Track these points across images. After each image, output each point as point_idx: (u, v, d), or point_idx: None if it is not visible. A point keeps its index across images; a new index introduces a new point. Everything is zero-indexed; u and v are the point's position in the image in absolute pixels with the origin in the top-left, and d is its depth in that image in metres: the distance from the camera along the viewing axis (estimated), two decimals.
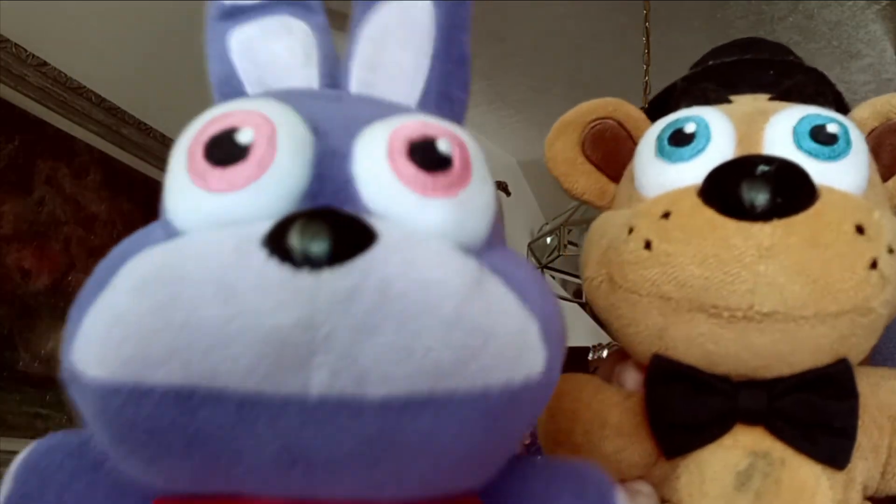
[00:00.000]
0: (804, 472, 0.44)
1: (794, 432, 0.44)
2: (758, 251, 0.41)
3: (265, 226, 0.28)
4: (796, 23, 2.14)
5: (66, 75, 1.25)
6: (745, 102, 0.52)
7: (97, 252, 1.31)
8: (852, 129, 0.48)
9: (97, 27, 1.34)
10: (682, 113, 0.51)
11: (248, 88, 0.41)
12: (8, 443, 1.11)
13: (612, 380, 0.54)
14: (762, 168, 0.42)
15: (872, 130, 0.52)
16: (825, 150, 0.46)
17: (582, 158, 0.57)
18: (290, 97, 0.36)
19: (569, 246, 2.08)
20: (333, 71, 0.42)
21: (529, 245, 2.31)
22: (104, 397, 0.28)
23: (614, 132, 0.57)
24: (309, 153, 0.32)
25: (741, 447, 0.45)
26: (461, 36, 0.40)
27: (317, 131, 0.33)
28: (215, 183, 0.31)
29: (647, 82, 1.58)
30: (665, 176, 0.49)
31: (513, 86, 2.61)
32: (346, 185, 0.32)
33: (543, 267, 2.23)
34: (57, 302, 1.24)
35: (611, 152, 0.56)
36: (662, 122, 0.52)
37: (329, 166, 0.32)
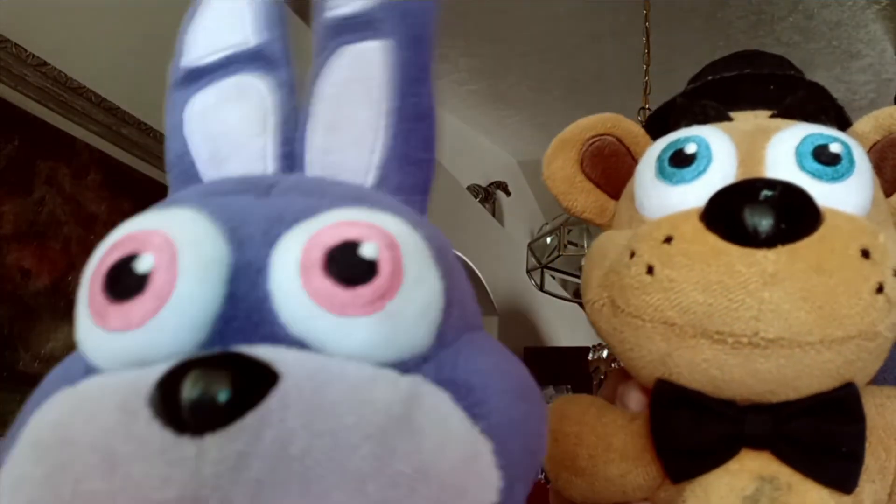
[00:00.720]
0: (811, 497, 0.43)
1: (801, 457, 0.44)
2: (762, 278, 0.41)
3: (156, 374, 0.25)
4: (796, 23, 2.14)
5: (66, 75, 1.25)
6: (746, 120, 0.52)
7: None
8: (855, 147, 0.47)
9: (97, 27, 1.34)
10: (683, 132, 0.51)
11: (200, 167, 0.39)
12: None
13: (616, 400, 0.54)
14: (766, 193, 0.42)
15: (875, 144, 0.52)
16: (828, 170, 0.45)
17: (581, 176, 0.56)
18: (210, 198, 0.33)
19: (569, 246, 2.08)
20: (290, 136, 0.39)
21: (529, 245, 2.30)
22: None
23: (613, 148, 0.57)
24: (220, 271, 0.29)
25: (748, 472, 0.44)
26: (419, 89, 0.37)
27: (234, 240, 0.30)
28: (113, 321, 0.28)
29: (647, 82, 1.58)
30: (667, 198, 0.48)
31: (513, 86, 2.61)
32: (260, 304, 0.29)
33: (543, 267, 2.22)
34: (57, 302, 1.24)
35: (610, 169, 0.56)
36: (663, 142, 0.51)
37: (244, 283, 0.29)
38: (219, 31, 0.41)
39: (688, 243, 0.43)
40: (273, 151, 0.39)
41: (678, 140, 0.50)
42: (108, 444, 0.25)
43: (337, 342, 0.28)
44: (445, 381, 0.29)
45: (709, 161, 0.47)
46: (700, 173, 0.47)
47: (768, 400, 0.44)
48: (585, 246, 2.14)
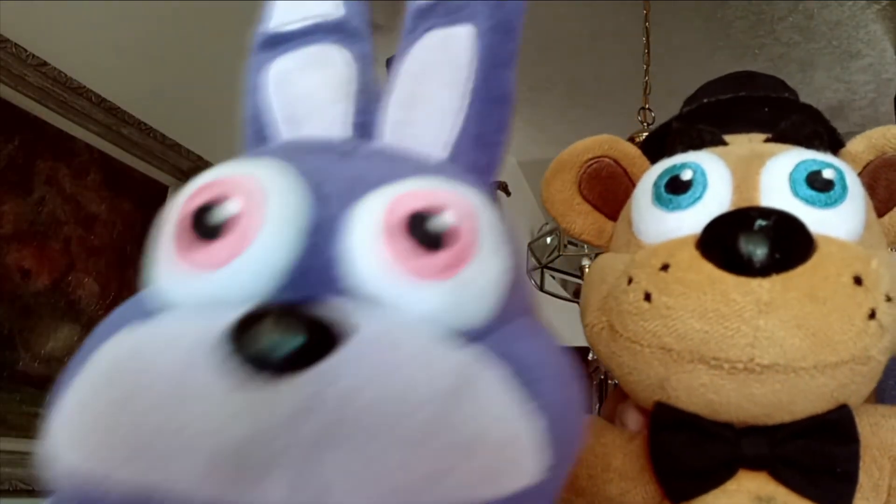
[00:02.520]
0: None
1: (797, 477, 0.44)
2: (757, 306, 0.41)
3: (231, 317, 0.26)
4: (796, 23, 2.14)
5: (66, 75, 1.25)
6: (741, 144, 0.52)
7: (97, 252, 1.31)
8: (848, 173, 0.48)
9: (97, 27, 1.34)
10: (678, 158, 0.51)
11: (280, 126, 0.40)
12: (8, 443, 1.11)
13: (615, 419, 0.54)
14: (760, 223, 0.43)
15: (868, 164, 0.52)
16: (822, 196, 0.46)
17: (579, 198, 0.57)
18: (297, 153, 0.33)
19: (569, 246, 2.08)
20: (370, 105, 0.40)
21: (529, 245, 2.30)
22: (75, 485, 0.26)
23: (610, 170, 0.57)
24: (302, 222, 0.30)
25: (745, 492, 0.45)
26: (504, 73, 0.38)
27: (317, 194, 0.31)
28: (198, 259, 0.29)
29: (647, 82, 1.58)
30: (663, 224, 0.48)
31: None
32: (339, 259, 0.29)
33: (543, 267, 2.22)
34: (57, 302, 1.24)
35: (608, 191, 0.56)
36: (659, 168, 0.52)
37: (323, 237, 0.30)
38: (305, 1, 0.42)
39: (684, 271, 0.44)
40: (352, 119, 0.39)
41: (674, 166, 0.50)
42: (182, 377, 0.25)
43: (410, 303, 0.29)
44: (505, 356, 0.29)
45: (704, 187, 0.48)
46: (696, 200, 0.48)
47: (764, 422, 0.45)
48: (585, 246, 2.14)
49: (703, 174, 0.48)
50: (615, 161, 0.57)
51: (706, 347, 0.42)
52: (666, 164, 0.51)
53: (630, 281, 0.47)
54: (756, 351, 0.41)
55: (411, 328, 0.28)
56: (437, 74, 0.38)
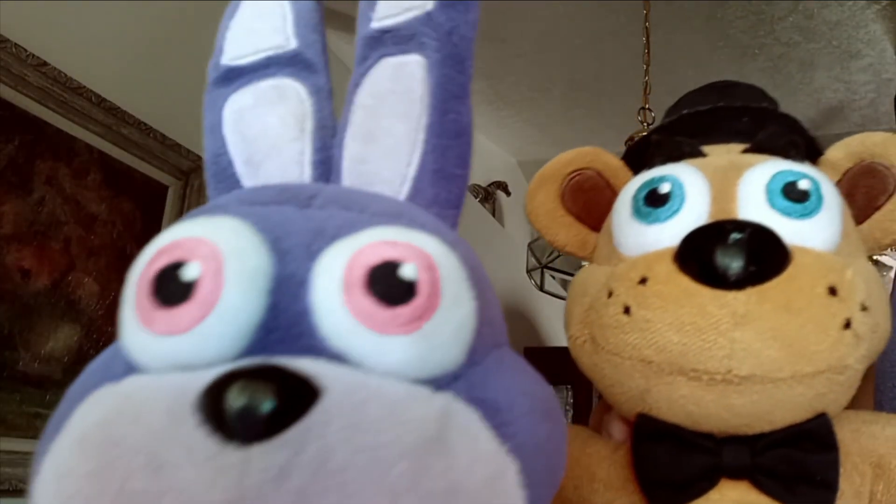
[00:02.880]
0: None
1: (778, 486, 0.45)
2: (733, 318, 0.42)
3: (203, 380, 0.26)
4: (796, 23, 2.14)
5: (66, 75, 1.25)
6: (720, 154, 0.53)
7: (97, 252, 1.31)
8: (824, 183, 0.48)
9: (97, 27, 1.34)
10: (657, 171, 0.51)
11: (237, 168, 0.39)
12: (8, 443, 1.11)
13: (601, 429, 0.55)
14: (735, 236, 0.43)
15: (847, 171, 0.52)
16: (798, 207, 0.46)
17: (562, 211, 0.58)
18: (253, 207, 0.33)
19: None
20: (327, 141, 0.39)
21: (529, 245, 2.30)
22: None
23: (593, 182, 0.58)
24: (263, 282, 0.30)
25: (727, 501, 0.45)
26: (458, 107, 0.37)
27: (277, 251, 0.31)
28: (159, 326, 0.29)
29: (647, 82, 1.58)
30: (642, 237, 0.49)
31: (513, 86, 2.60)
32: (301, 317, 0.30)
33: (544, 267, 2.22)
34: (57, 302, 1.24)
35: (591, 203, 0.57)
36: (638, 181, 0.52)
37: (286, 295, 0.30)
38: (260, 32, 0.42)
39: (661, 284, 0.44)
40: (309, 157, 0.39)
41: (653, 179, 0.51)
42: (155, 446, 0.25)
43: (375, 359, 0.29)
44: (475, 400, 0.30)
45: (682, 200, 0.48)
46: (674, 213, 0.48)
47: (745, 432, 0.45)
48: None
49: (681, 187, 0.49)
50: (598, 173, 0.57)
51: (685, 359, 0.43)
52: (644, 177, 0.52)
53: (610, 294, 0.47)
54: (733, 363, 0.42)
55: (379, 384, 0.28)
56: (392, 108, 0.38)
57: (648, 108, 1.52)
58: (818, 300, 0.42)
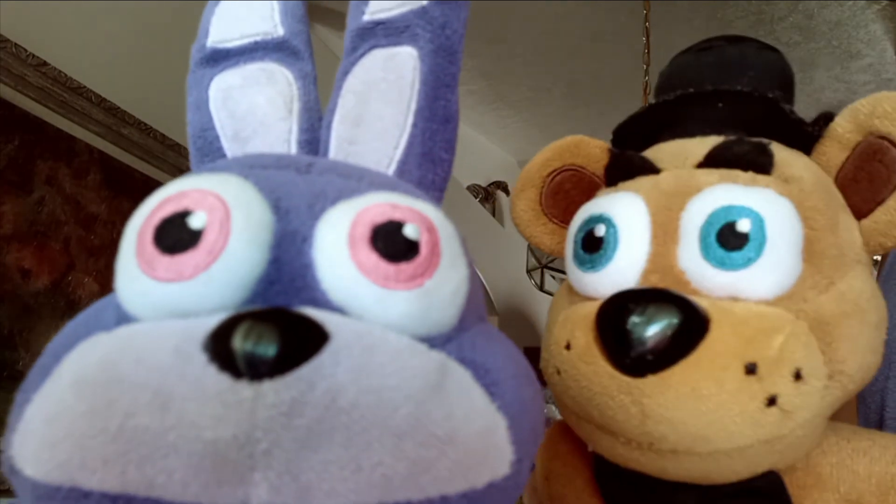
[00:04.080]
0: None
1: None
2: (639, 406, 0.40)
3: (210, 323, 0.26)
4: (796, 23, 2.14)
5: (66, 75, 1.25)
6: (673, 168, 0.48)
7: (97, 252, 1.31)
8: (772, 216, 0.43)
9: (97, 27, 1.34)
10: (595, 207, 0.49)
11: (224, 143, 0.40)
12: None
13: None
14: (633, 320, 0.41)
15: (855, 147, 0.47)
16: (733, 257, 0.42)
17: (543, 218, 0.56)
18: (254, 169, 0.34)
19: None
20: (314, 123, 0.40)
21: (529, 245, 2.30)
22: (40, 497, 0.26)
23: (575, 179, 0.55)
24: (266, 236, 0.30)
25: None
26: (448, 94, 0.39)
27: (278, 209, 0.31)
28: (163, 272, 0.29)
29: (647, 82, 1.58)
30: (582, 283, 0.48)
31: (513, 86, 2.61)
32: (304, 270, 0.30)
33: (543, 267, 2.22)
34: (57, 302, 1.24)
35: (576, 203, 0.53)
36: (580, 218, 0.50)
37: (288, 250, 0.30)
38: (248, 18, 0.43)
39: (578, 359, 0.44)
40: (296, 136, 0.40)
41: (589, 219, 0.48)
42: (162, 383, 0.25)
43: (377, 312, 0.30)
44: (466, 361, 0.31)
45: (615, 247, 0.46)
46: (607, 261, 0.46)
47: (701, 483, 0.44)
48: None
49: (616, 230, 0.46)
50: (580, 168, 0.54)
51: (611, 429, 0.43)
52: (584, 213, 0.50)
53: (548, 352, 0.47)
54: (654, 439, 0.41)
55: (382, 333, 0.29)
56: (382, 94, 0.39)
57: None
58: (731, 383, 0.39)
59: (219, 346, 0.26)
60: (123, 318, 0.31)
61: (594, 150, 0.55)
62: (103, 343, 0.28)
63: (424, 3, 0.39)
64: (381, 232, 0.30)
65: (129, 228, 0.32)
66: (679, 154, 0.50)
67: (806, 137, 0.49)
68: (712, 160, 0.47)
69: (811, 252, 0.44)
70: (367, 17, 0.41)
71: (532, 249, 2.30)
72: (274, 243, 0.30)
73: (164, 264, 0.29)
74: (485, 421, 0.29)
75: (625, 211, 0.47)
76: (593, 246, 0.47)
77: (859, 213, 0.47)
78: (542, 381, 0.42)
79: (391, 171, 0.38)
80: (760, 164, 0.46)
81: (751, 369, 0.40)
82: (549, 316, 0.52)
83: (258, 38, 0.42)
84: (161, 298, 0.29)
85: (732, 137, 0.48)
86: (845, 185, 0.48)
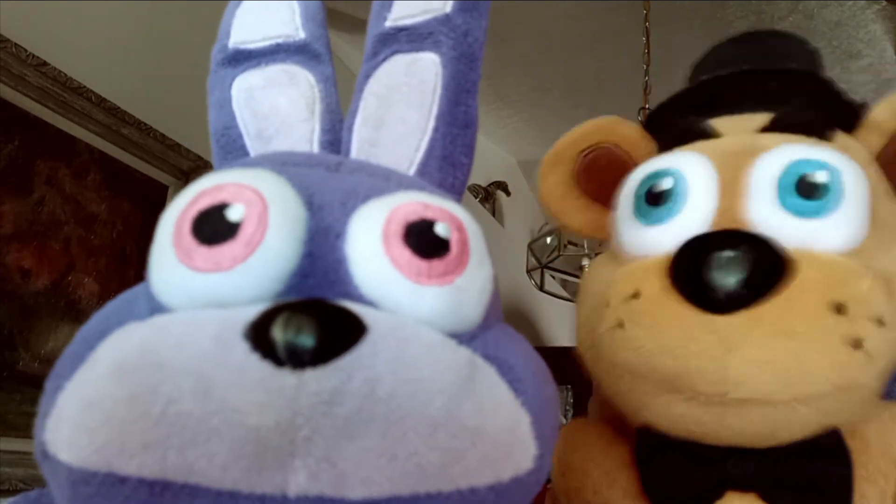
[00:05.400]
0: None
1: (787, 500, 0.43)
2: (723, 345, 0.39)
3: (250, 313, 0.27)
4: (796, 23, 2.14)
5: (66, 75, 1.25)
6: (735, 133, 0.49)
7: (97, 252, 1.31)
8: (846, 171, 0.44)
9: (97, 27, 1.34)
10: (659, 163, 0.48)
11: (247, 141, 0.41)
12: (8, 443, 1.11)
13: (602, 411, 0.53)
14: (725, 254, 0.40)
15: (893, 136, 0.48)
16: (811, 205, 0.42)
17: (577, 192, 0.54)
18: (286, 166, 0.34)
19: (569, 246, 2.08)
20: (336, 125, 0.41)
21: (529, 245, 2.30)
22: (75, 483, 0.26)
23: (610, 157, 0.53)
24: (301, 231, 0.31)
25: None
26: (468, 100, 0.40)
27: (311, 206, 0.32)
28: (201, 262, 0.30)
29: (647, 82, 1.58)
30: (643, 238, 0.46)
31: (513, 86, 2.60)
32: (337, 265, 0.31)
33: (544, 267, 2.22)
34: (57, 302, 1.24)
35: (608, 181, 0.52)
36: (640, 173, 0.49)
37: (321, 245, 0.31)
38: (269, 20, 0.44)
39: (652, 303, 0.42)
40: (318, 137, 0.41)
41: (654, 173, 0.47)
42: (204, 370, 0.26)
43: (410, 307, 0.30)
44: (490, 357, 0.31)
45: (684, 198, 0.45)
46: (675, 213, 0.45)
47: (757, 445, 0.43)
48: (585, 246, 2.13)
49: (684, 182, 0.46)
50: (615, 146, 0.53)
51: (679, 381, 0.41)
52: (646, 169, 0.48)
53: (607, 304, 0.45)
54: (728, 387, 0.40)
55: (415, 327, 0.29)
56: (404, 97, 0.40)
57: (648, 108, 1.52)
58: (820, 321, 0.39)
59: (259, 336, 0.26)
60: (157, 307, 0.31)
61: (629, 130, 0.54)
62: (141, 331, 0.29)
63: (448, 10, 0.40)
64: (414, 229, 0.31)
65: (165, 220, 0.32)
66: (736, 125, 0.50)
67: (850, 121, 0.49)
68: (776, 126, 0.48)
69: (874, 215, 0.44)
70: (389, 24, 0.41)
71: (532, 249, 2.30)
72: (308, 238, 0.31)
73: (202, 255, 0.30)
74: (511, 415, 0.30)
75: (692, 166, 0.46)
76: (659, 199, 0.46)
77: None
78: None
79: (412, 172, 0.39)
80: (822, 132, 0.46)
81: (840, 309, 0.39)
82: (586, 286, 0.50)
83: (280, 41, 0.43)
84: (198, 288, 0.30)
85: (798, 101, 0.49)
86: (886, 170, 0.48)
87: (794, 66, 0.52)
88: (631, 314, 0.43)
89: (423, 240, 0.31)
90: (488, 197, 3.35)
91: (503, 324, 0.36)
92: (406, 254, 0.31)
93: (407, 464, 0.26)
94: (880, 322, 0.40)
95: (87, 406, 0.27)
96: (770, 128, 0.48)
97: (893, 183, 0.48)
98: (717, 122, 0.51)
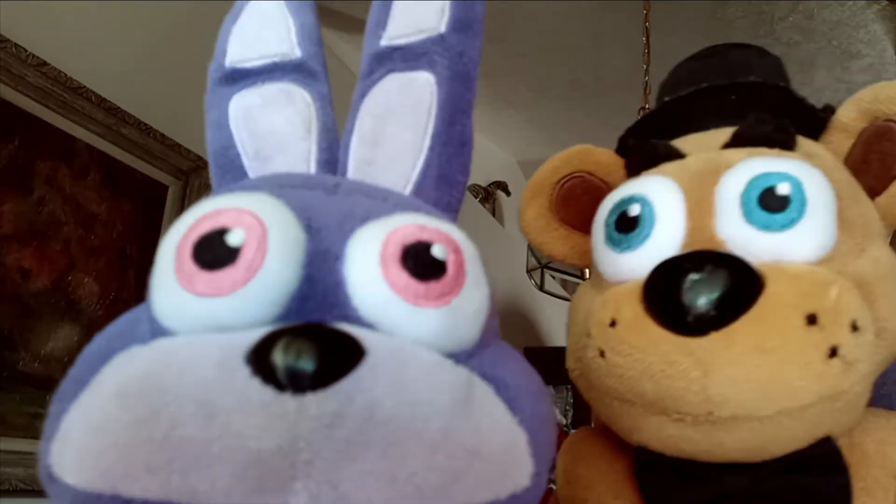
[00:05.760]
0: None
1: None
2: (700, 366, 0.40)
3: (251, 338, 0.27)
4: (796, 23, 2.14)
5: (66, 75, 1.25)
6: (700, 151, 0.49)
7: (97, 252, 1.31)
8: (808, 181, 0.44)
9: (97, 27, 1.34)
10: (626, 190, 0.49)
11: (245, 161, 0.41)
12: (8, 443, 1.11)
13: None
14: (694, 277, 0.40)
15: (862, 132, 0.49)
16: (777, 219, 0.43)
17: (555, 223, 0.56)
18: (285, 189, 0.35)
19: None
20: (332, 144, 0.42)
21: (529, 245, 2.30)
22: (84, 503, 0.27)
23: (586, 185, 0.55)
24: (300, 254, 0.31)
25: None
26: (464, 119, 0.40)
27: (310, 228, 0.32)
28: (202, 287, 0.30)
29: (647, 82, 1.58)
30: (618, 266, 0.47)
31: (513, 86, 2.61)
32: (336, 287, 0.31)
33: (543, 267, 2.22)
34: (57, 302, 1.24)
35: (586, 209, 0.53)
36: (609, 202, 0.50)
37: (321, 268, 0.31)
38: (266, 39, 0.44)
39: (628, 331, 0.43)
40: (315, 156, 0.41)
41: (622, 201, 0.48)
42: (207, 395, 0.26)
43: (407, 328, 0.31)
44: (488, 376, 0.32)
45: (652, 224, 0.46)
46: (645, 238, 0.46)
47: (750, 460, 0.43)
48: None
49: (651, 208, 0.46)
50: (589, 174, 0.55)
51: (664, 404, 0.41)
52: (614, 197, 0.49)
53: (588, 334, 0.46)
54: (712, 406, 0.40)
55: (413, 349, 0.30)
56: (400, 116, 0.40)
57: (648, 108, 1.52)
58: (794, 334, 0.39)
59: (261, 361, 0.26)
60: (159, 331, 0.31)
61: (602, 156, 0.56)
62: (144, 355, 0.29)
63: (442, 30, 0.41)
64: (411, 251, 0.32)
65: (166, 245, 0.32)
66: (701, 142, 0.50)
67: (815, 126, 0.50)
68: (738, 140, 0.48)
69: (843, 220, 0.45)
70: (384, 43, 0.42)
71: (532, 249, 2.30)
72: (307, 261, 0.31)
73: (202, 280, 0.30)
74: (508, 434, 0.30)
75: (658, 190, 0.47)
76: (628, 226, 0.47)
77: (873, 192, 0.48)
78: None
79: (408, 191, 0.39)
80: (784, 141, 0.47)
81: (812, 320, 0.40)
82: (573, 314, 0.52)
83: (277, 60, 0.43)
84: (199, 313, 0.30)
85: (754, 120, 0.49)
86: (855, 170, 0.49)
87: (753, 79, 0.53)
88: (609, 343, 0.44)
89: (420, 262, 0.31)
90: (488, 197, 3.35)
91: (500, 341, 0.37)
92: (403, 276, 0.31)
93: (406, 485, 0.26)
94: (854, 327, 0.41)
95: (92, 430, 0.27)
96: (732, 143, 0.49)
97: (864, 181, 0.48)
98: (683, 142, 0.51)
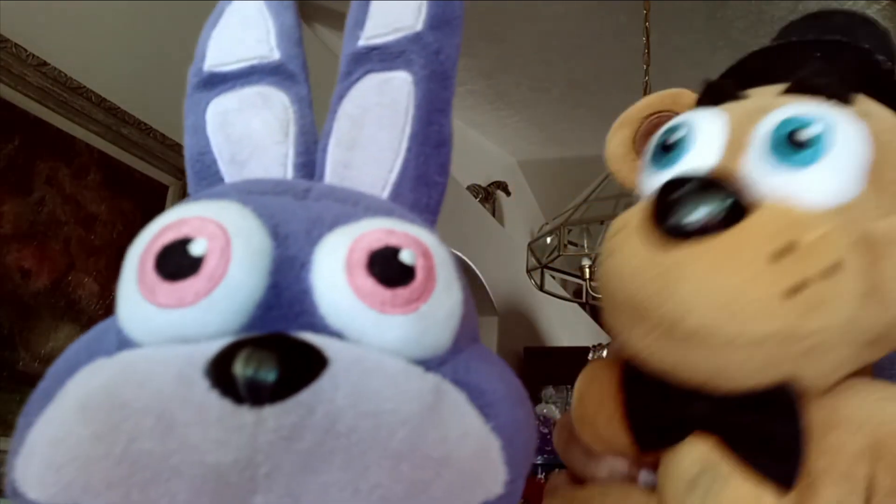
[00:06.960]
0: (745, 491, 0.44)
1: (741, 447, 0.44)
2: (674, 271, 0.41)
3: (211, 350, 0.27)
4: None
5: (66, 75, 1.25)
6: (760, 96, 0.51)
7: (97, 252, 1.31)
8: (843, 125, 0.44)
9: (97, 27, 1.34)
10: (681, 118, 0.51)
11: (221, 167, 0.41)
12: (8, 443, 1.11)
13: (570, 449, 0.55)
14: (684, 189, 0.42)
15: None
16: (796, 156, 0.44)
17: (633, 154, 0.57)
18: (252, 195, 0.34)
19: (569, 246, 2.08)
20: (310, 147, 0.41)
21: (529, 245, 2.30)
22: None
23: None
24: (265, 262, 0.31)
25: (695, 454, 0.45)
26: (441, 119, 0.40)
27: (276, 235, 0.32)
28: (164, 298, 0.30)
29: (647, 82, 1.58)
30: (652, 182, 0.48)
31: (513, 86, 2.61)
32: (302, 296, 0.31)
33: (543, 267, 2.22)
34: (57, 302, 1.24)
35: None
36: (663, 128, 0.52)
37: (286, 275, 0.31)
38: (244, 41, 0.43)
39: (628, 235, 0.44)
40: (292, 160, 0.41)
41: (671, 127, 0.50)
42: (164, 408, 0.26)
43: (374, 336, 0.30)
44: (461, 383, 0.31)
45: (688, 148, 0.48)
46: (677, 160, 0.48)
47: (714, 389, 0.44)
48: (585, 246, 2.14)
49: (692, 134, 0.48)
50: (676, 114, 0.57)
51: (642, 308, 0.42)
52: (669, 123, 0.52)
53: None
54: (675, 317, 0.41)
55: (379, 358, 0.29)
56: (377, 118, 0.40)
57: None
58: (758, 262, 0.40)
59: (220, 373, 0.26)
60: (124, 342, 0.31)
61: (690, 101, 0.58)
62: (106, 368, 0.29)
63: (419, 28, 0.40)
64: (377, 257, 0.31)
65: (130, 255, 0.32)
66: (768, 91, 0.52)
67: (891, 94, 0.50)
68: (795, 89, 0.49)
69: (878, 177, 0.44)
70: (362, 42, 0.42)
71: (532, 249, 2.30)
72: (273, 269, 0.31)
73: (165, 291, 0.30)
74: (479, 442, 0.30)
75: (706, 120, 0.49)
76: (671, 147, 0.49)
77: None
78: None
79: (386, 194, 0.39)
80: (840, 95, 0.47)
81: (785, 251, 0.40)
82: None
83: (255, 62, 0.43)
84: (162, 324, 0.30)
85: (813, 71, 0.50)
86: None
87: (839, 38, 0.53)
88: (609, 248, 0.45)
89: (386, 268, 0.31)
90: (488, 197, 3.35)
91: (478, 345, 0.36)
92: (369, 283, 0.30)
93: (370, 496, 0.26)
94: (831, 273, 0.40)
95: (54, 444, 0.27)
96: (789, 90, 0.50)
97: None
98: (754, 91, 0.53)
